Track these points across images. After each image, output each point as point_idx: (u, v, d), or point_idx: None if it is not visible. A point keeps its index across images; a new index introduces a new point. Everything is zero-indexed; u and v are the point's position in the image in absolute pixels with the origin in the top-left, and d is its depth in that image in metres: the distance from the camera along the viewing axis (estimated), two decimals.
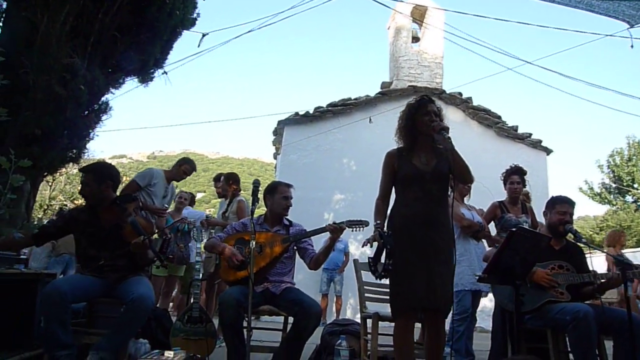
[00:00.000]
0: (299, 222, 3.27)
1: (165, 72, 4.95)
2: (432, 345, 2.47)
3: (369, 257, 2.47)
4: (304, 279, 6.71)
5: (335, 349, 3.04)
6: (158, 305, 5.22)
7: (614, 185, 22.69)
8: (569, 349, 2.93)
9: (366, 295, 3.43)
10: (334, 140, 9.26)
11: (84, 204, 3.08)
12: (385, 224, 2.55)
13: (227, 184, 5.06)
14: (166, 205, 4.76)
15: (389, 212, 2.60)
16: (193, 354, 3.09)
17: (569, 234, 3.11)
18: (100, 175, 2.91)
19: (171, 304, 7.72)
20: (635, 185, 21.70)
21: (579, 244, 3.18)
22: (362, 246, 2.56)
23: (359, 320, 3.53)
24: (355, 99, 9.42)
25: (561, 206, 3.14)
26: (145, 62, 4.32)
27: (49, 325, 2.46)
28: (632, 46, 5.59)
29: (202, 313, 3.32)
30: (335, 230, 2.88)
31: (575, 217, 3.22)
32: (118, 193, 3.21)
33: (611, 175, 22.70)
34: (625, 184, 21.97)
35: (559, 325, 2.83)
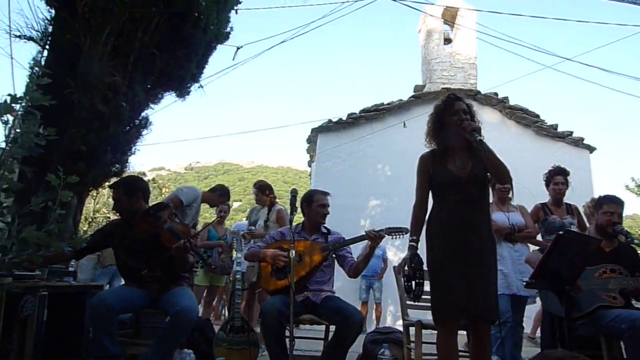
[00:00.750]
0: (335, 229, 3.26)
1: (201, 86, 5.08)
2: (476, 352, 2.39)
3: (402, 277, 2.44)
4: (343, 287, 6.67)
5: (378, 358, 3.00)
6: (200, 314, 5.33)
7: None
8: (624, 357, 2.79)
9: (408, 302, 3.37)
10: (367, 146, 9.21)
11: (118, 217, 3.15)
12: (424, 230, 2.49)
13: (262, 193, 5.11)
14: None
15: (427, 217, 2.52)
16: None
17: (620, 235, 2.96)
18: (130, 189, 2.97)
19: (212, 314, 7.87)
20: None
21: (632, 245, 3.04)
22: (398, 273, 2.50)
23: (400, 328, 3.47)
24: (388, 103, 9.35)
25: (608, 206, 3.01)
26: (183, 78, 4.45)
27: (96, 335, 2.54)
28: None
29: (244, 322, 3.36)
30: (375, 237, 2.85)
31: (624, 216, 3.07)
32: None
33: None
34: None
35: (614, 333, 2.70)
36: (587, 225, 3.88)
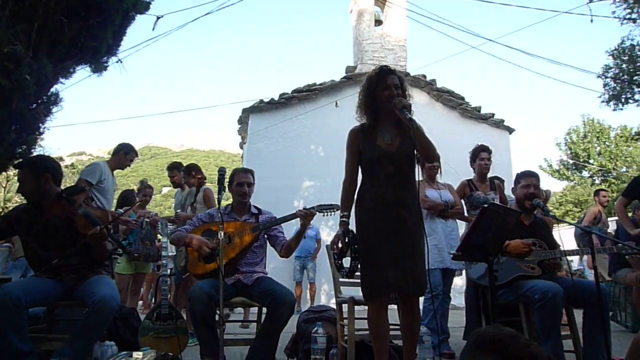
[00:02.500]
0: (268, 210, 3.17)
1: (119, 60, 4.68)
2: (407, 325, 2.45)
3: (333, 254, 2.41)
4: (277, 267, 6.63)
5: (311, 337, 2.97)
6: (126, 304, 5.05)
7: (571, 162, 23.63)
8: None
9: (340, 280, 3.38)
10: (300, 126, 9.15)
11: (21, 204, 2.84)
12: (353, 206, 2.49)
13: (189, 175, 4.88)
14: (121, 211, 4.56)
15: (356, 194, 2.51)
16: (164, 352, 2.98)
17: (537, 208, 3.15)
18: (37, 169, 2.66)
19: (140, 302, 7.51)
20: (591, 161, 22.67)
21: (546, 217, 3.25)
22: (331, 249, 2.43)
23: (334, 306, 3.48)
24: (321, 84, 9.33)
25: (525, 180, 3.19)
26: (97, 49, 4.04)
27: (3, 333, 2.28)
28: (592, 20, 5.73)
29: (171, 309, 3.19)
30: (306, 215, 2.80)
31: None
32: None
33: (568, 152, 23.64)
34: (581, 160, 22.91)
35: (529, 302, 2.90)
36: (507, 201, 4.13)
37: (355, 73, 9.60)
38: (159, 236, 4.97)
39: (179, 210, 4.77)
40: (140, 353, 2.46)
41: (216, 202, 2.63)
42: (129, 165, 4.61)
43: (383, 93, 2.40)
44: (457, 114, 9.85)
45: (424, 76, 9.70)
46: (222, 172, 2.62)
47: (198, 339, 2.67)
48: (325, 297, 8.33)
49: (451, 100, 9.77)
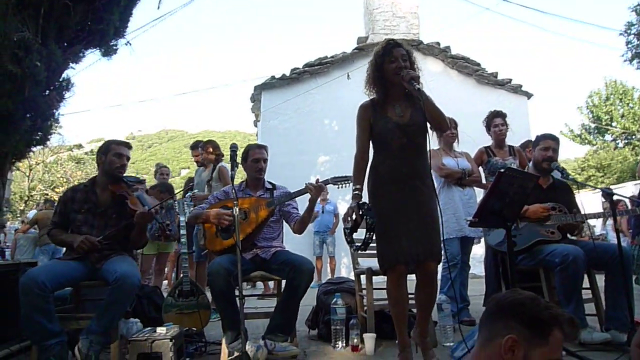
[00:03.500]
0: (283, 186, 3.17)
1: (128, 42, 4.67)
2: (421, 293, 2.46)
3: (344, 228, 2.41)
4: (297, 243, 6.70)
5: (331, 308, 3.01)
6: (151, 283, 5.17)
7: (593, 126, 23.00)
8: None
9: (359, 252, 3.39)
10: (313, 101, 9.06)
11: (77, 184, 3.06)
12: (366, 180, 2.49)
13: (206, 151, 4.91)
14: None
15: (369, 168, 2.52)
16: (188, 327, 3.06)
17: (555, 171, 3.08)
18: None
19: (165, 282, 7.70)
20: (614, 124, 22.01)
21: (566, 181, 3.18)
22: (344, 221, 2.41)
23: (353, 278, 3.51)
24: (332, 56, 9.17)
25: (544, 142, 3.13)
26: (105, 32, 4.04)
27: (32, 316, 2.36)
28: None
29: (193, 286, 3.26)
30: (315, 189, 2.78)
31: (558, 159, 3.20)
32: None
33: (590, 116, 22.99)
34: (604, 123, 22.26)
35: (549, 266, 2.86)
36: (526, 164, 4.03)
37: (367, 44, 9.39)
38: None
39: (196, 191, 4.81)
40: (164, 328, 2.54)
41: (230, 178, 2.63)
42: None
43: (390, 66, 2.39)
44: (474, 81, 9.61)
45: (438, 43, 9.44)
46: (234, 148, 2.61)
47: (219, 314, 2.72)
48: (346, 270, 8.40)
49: (467, 67, 9.51)
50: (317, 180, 2.91)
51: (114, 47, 4.49)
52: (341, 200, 8.27)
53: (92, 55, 4.36)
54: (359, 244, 2.37)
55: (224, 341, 2.64)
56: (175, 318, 3.08)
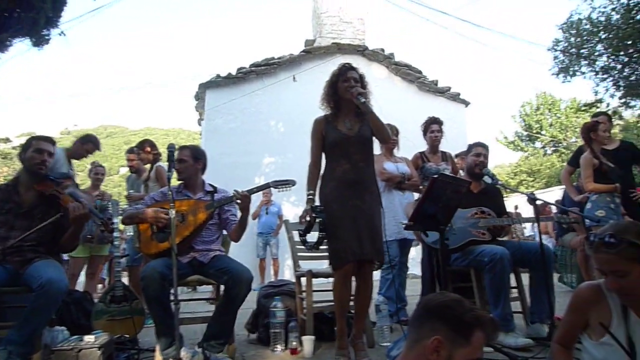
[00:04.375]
0: (229, 187, 3.10)
1: (62, 33, 4.43)
2: (360, 293, 2.70)
3: (299, 230, 2.64)
4: (240, 245, 6.59)
5: (270, 311, 2.99)
6: (83, 288, 4.91)
7: (525, 133, 24.53)
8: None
9: (299, 254, 3.41)
10: (259, 102, 8.99)
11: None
12: (318, 189, 2.73)
13: (143, 151, 4.72)
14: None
15: (321, 175, 2.77)
16: (120, 334, 2.93)
17: (486, 176, 3.26)
18: None
19: (100, 286, 7.32)
20: (543, 132, 23.60)
21: (496, 186, 3.37)
22: (300, 222, 2.63)
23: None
24: (279, 58, 9.14)
25: (476, 149, 3.37)
26: (35, 20, 3.80)
27: None
28: None
29: (126, 291, 3.13)
30: (242, 197, 2.74)
31: (492, 165, 3.41)
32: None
33: (522, 124, 24.51)
34: (534, 131, 23.82)
35: (479, 266, 3.03)
36: (458, 171, 4.25)
37: (314, 47, 9.47)
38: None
39: (131, 191, 4.62)
40: (93, 337, 2.42)
41: (167, 179, 2.54)
42: (85, 156, 4.48)
43: (343, 84, 2.69)
44: (416, 88, 9.94)
45: (383, 50, 9.68)
46: (171, 148, 2.55)
47: (153, 319, 2.63)
48: (289, 272, 8.38)
49: (409, 74, 9.82)
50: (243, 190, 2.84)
51: (46, 37, 4.25)
52: (286, 201, 8.25)
53: (22, 45, 4.11)
54: (312, 243, 2.58)
55: (157, 348, 2.55)
56: (106, 325, 2.95)
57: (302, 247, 3.40)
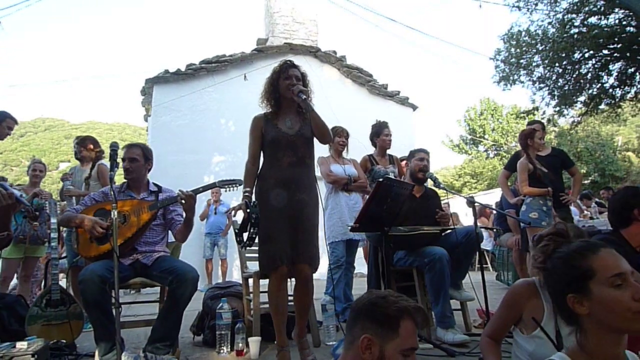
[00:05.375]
0: (177, 187, 3.03)
1: None
2: (298, 296, 2.66)
3: (234, 229, 2.54)
4: (187, 245, 6.44)
5: (217, 313, 2.97)
6: (15, 291, 4.63)
7: (469, 137, 25.62)
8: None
9: (247, 255, 3.40)
10: (209, 99, 8.83)
11: None
12: (255, 187, 2.65)
13: (84, 148, 4.52)
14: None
15: (258, 174, 2.68)
16: (56, 340, 2.80)
17: (429, 180, 3.41)
18: None
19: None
20: (486, 136, 24.75)
21: (437, 189, 3.53)
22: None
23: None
24: (230, 55, 9.03)
25: (418, 154, 3.50)
26: None
27: None
28: (480, 6, 6.15)
29: (63, 294, 2.99)
30: (186, 198, 2.70)
31: (439, 167, 3.58)
32: None
33: (467, 128, 25.57)
34: (478, 135, 24.93)
35: (420, 265, 3.16)
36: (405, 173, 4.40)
37: (266, 46, 9.43)
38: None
39: (70, 186, 4.39)
40: (25, 343, 2.30)
41: (109, 178, 2.46)
42: (9, 134, 4.13)
43: (284, 82, 2.61)
44: (366, 91, 10.13)
45: (335, 52, 9.80)
46: (114, 147, 2.46)
47: (92, 323, 2.53)
48: (238, 273, 8.28)
49: (360, 77, 10.00)
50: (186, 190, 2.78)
51: None
52: (236, 202, 8.17)
53: None
54: (245, 241, 2.47)
55: (97, 353, 2.46)
56: (41, 330, 2.81)
57: (250, 248, 3.43)
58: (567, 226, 1.58)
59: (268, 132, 2.63)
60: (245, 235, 2.44)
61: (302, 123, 2.65)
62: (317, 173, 3.02)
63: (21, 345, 2.27)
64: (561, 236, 1.49)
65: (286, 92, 2.61)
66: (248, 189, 2.59)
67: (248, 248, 2.59)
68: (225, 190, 2.88)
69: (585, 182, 16.96)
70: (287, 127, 2.63)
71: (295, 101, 2.59)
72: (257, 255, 3.35)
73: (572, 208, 5.74)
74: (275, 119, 2.66)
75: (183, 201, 2.72)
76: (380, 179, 2.61)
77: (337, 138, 4.10)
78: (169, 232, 2.97)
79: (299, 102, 2.58)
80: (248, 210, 2.43)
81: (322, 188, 3.64)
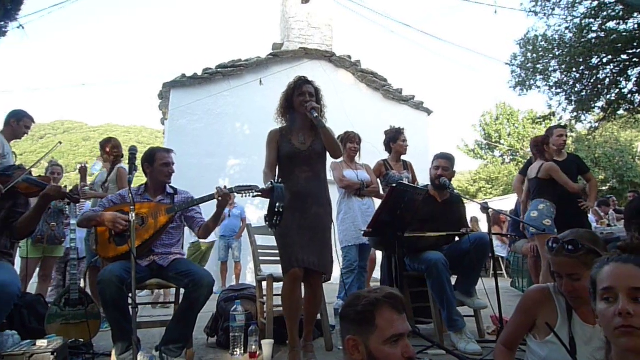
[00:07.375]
0: (192, 190, 3.09)
1: (21, 26, 4.29)
2: (306, 302, 2.74)
3: (265, 215, 2.55)
4: None
5: (230, 315, 3.00)
6: (36, 291, 4.73)
7: (484, 142, 25.37)
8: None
9: (261, 258, 3.43)
10: (225, 103, 8.94)
11: None
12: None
13: (103, 149, 4.61)
14: None
15: None
16: (75, 339, 2.86)
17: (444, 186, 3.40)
18: None
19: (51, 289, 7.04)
20: (502, 141, 24.48)
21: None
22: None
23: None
24: (246, 60, 9.13)
25: (436, 162, 3.49)
26: None
27: None
28: (495, 12, 6.12)
29: (82, 294, 3.06)
30: (223, 195, 2.77)
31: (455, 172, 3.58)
32: None
33: (482, 133, 25.33)
34: (494, 140, 24.67)
35: (421, 272, 3.18)
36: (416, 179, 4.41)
37: (282, 51, 9.51)
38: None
39: (86, 188, 4.47)
40: (45, 341, 2.36)
41: (126, 182, 2.51)
42: (27, 133, 4.24)
43: (298, 99, 2.73)
44: (381, 95, 10.14)
45: (350, 57, 9.83)
46: (133, 151, 2.52)
47: (109, 323, 2.58)
48: (251, 276, 8.35)
49: (375, 82, 10.01)
50: (224, 187, 2.88)
51: (3, 30, 4.10)
52: (250, 204, 8.24)
53: None
54: (273, 222, 2.46)
55: (113, 352, 2.52)
56: (60, 329, 2.87)
57: (264, 251, 3.46)
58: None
59: (283, 146, 2.74)
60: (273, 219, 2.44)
61: (315, 138, 2.76)
62: (330, 177, 3.04)
63: (41, 343, 2.34)
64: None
65: (300, 108, 2.71)
66: (272, 181, 2.62)
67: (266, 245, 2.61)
68: (242, 196, 2.91)
69: (604, 188, 16.66)
70: (299, 142, 2.75)
71: (308, 117, 2.68)
72: (271, 259, 3.41)
73: (590, 215, 5.66)
74: (290, 134, 2.77)
75: (220, 198, 2.76)
76: (394, 185, 2.62)
77: (349, 144, 4.14)
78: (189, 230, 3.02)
79: (311, 120, 2.67)
80: (270, 185, 2.49)
81: (335, 194, 3.67)
